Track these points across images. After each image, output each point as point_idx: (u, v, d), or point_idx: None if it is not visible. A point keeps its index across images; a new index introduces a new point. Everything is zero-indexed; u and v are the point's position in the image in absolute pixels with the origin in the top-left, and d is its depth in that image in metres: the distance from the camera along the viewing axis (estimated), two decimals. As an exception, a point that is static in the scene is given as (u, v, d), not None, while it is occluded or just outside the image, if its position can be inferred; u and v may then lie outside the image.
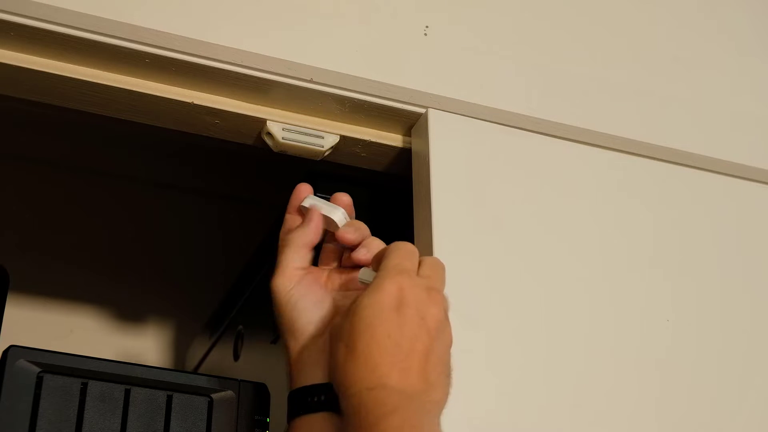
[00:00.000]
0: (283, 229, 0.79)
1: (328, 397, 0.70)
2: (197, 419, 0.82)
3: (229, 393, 0.84)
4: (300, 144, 0.89)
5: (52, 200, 1.44)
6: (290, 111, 0.89)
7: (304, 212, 0.78)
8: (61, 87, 0.84)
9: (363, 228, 0.78)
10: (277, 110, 0.89)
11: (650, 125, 0.98)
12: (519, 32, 0.98)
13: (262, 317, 1.07)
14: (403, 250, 0.73)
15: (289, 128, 0.89)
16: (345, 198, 0.79)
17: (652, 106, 1.00)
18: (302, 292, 0.75)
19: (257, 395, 0.85)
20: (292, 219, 0.79)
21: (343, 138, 0.91)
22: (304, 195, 0.79)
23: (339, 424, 0.68)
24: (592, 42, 1.02)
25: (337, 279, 0.77)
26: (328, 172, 0.94)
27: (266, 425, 0.84)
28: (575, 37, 1.01)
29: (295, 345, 0.74)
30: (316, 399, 0.70)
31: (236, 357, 1.13)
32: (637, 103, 0.99)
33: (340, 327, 0.69)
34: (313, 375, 0.72)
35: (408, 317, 0.68)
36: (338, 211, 0.77)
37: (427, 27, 0.93)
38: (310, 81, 0.86)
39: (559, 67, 0.97)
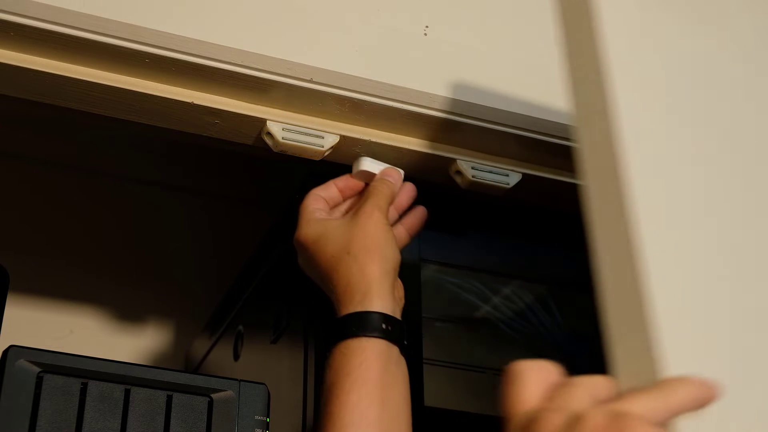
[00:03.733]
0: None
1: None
2: (197, 419, 0.82)
3: (229, 393, 0.84)
4: (300, 144, 0.89)
5: (52, 200, 1.44)
6: (290, 111, 0.89)
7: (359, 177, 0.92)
8: (61, 87, 0.84)
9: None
10: (277, 110, 0.89)
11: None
12: (519, 32, 0.98)
13: (262, 317, 1.07)
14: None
15: (289, 128, 0.89)
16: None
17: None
18: None
19: (257, 395, 0.85)
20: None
21: (343, 138, 0.91)
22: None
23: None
24: (592, 42, 1.01)
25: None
26: (328, 172, 0.94)
27: (266, 425, 0.84)
28: (575, 37, 1.01)
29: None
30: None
31: (236, 357, 1.13)
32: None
33: None
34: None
35: None
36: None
37: (427, 27, 0.93)
38: (310, 81, 0.86)
39: (559, 67, 0.97)
